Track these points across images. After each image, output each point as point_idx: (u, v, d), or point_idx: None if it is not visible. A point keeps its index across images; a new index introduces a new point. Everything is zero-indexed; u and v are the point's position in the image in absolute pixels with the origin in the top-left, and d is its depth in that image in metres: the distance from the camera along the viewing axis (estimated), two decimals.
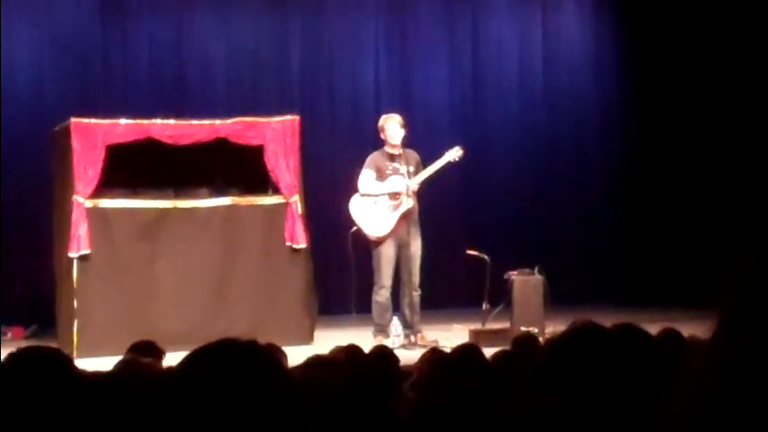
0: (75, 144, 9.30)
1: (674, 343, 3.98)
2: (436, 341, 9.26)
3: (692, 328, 4.67)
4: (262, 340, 1.89)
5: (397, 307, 9.50)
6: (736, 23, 12.09)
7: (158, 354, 5.30)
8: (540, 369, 1.88)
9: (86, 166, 9.30)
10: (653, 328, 3.94)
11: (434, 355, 4.72)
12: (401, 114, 9.61)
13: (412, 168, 9.41)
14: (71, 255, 9.25)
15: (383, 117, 9.61)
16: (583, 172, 13.17)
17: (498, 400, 2.96)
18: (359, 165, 9.55)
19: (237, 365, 1.64)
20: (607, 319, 2.37)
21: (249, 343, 1.69)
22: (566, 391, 1.77)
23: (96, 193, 9.38)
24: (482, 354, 4.34)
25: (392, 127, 9.40)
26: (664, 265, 12.56)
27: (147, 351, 5.26)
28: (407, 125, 9.54)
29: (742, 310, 1.08)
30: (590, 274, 12.77)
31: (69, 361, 2.63)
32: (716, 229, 11.84)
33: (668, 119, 12.86)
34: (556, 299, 9.70)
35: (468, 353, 4.24)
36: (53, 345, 5.57)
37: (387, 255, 9.40)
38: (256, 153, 9.75)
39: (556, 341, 1.94)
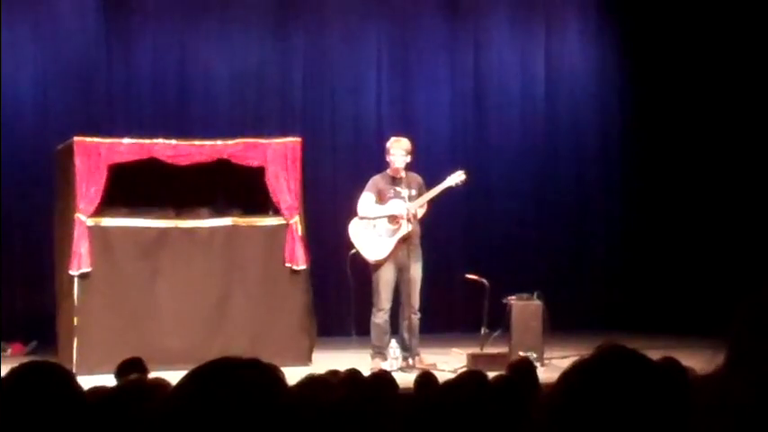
0: (78, 162, 9.33)
1: (675, 372, 3.97)
2: (434, 364, 9.27)
3: (691, 357, 4.67)
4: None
5: (395, 330, 9.51)
6: (740, 48, 12.13)
7: (143, 370, 5.31)
8: (562, 403, 1.80)
9: (89, 185, 9.33)
10: (653, 356, 3.95)
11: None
12: (405, 137, 9.63)
13: (414, 192, 9.43)
14: (72, 272, 9.28)
15: (392, 139, 9.62)
16: (584, 198, 13.19)
17: (497, 425, 2.97)
18: (360, 187, 9.58)
19: (239, 383, 1.66)
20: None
21: (251, 361, 1.70)
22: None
23: (98, 212, 9.41)
24: (486, 380, 4.31)
25: (396, 152, 9.44)
26: (664, 292, 12.55)
27: (133, 368, 5.27)
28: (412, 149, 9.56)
29: (751, 344, 1.08)
30: (590, 300, 12.76)
31: (71, 376, 2.64)
32: (718, 257, 11.85)
33: (671, 145, 12.88)
34: (555, 325, 9.70)
35: (472, 378, 4.23)
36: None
37: (385, 278, 9.41)
38: (257, 174, 9.78)
39: (580, 370, 1.83)
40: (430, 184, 9.55)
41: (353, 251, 9.51)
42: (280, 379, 1.73)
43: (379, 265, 9.41)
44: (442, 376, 5.69)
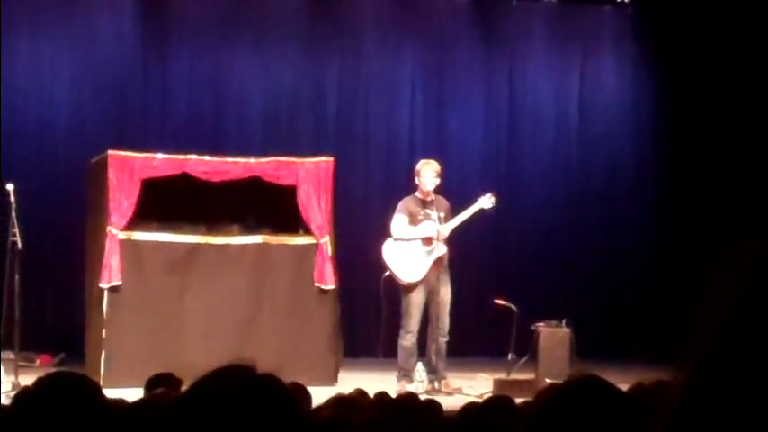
0: (112, 176, 9.39)
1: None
2: (460, 389, 9.24)
3: None
4: (286, 379, 1.90)
5: (422, 353, 9.48)
6: None
7: (176, 384, 5.30)
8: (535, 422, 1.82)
9: (122, 198, 9.38)
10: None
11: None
12: (436, 160, 9.63)
13: (442, 215, 9.42)
14: (102, 285, 9.32)
15: (421, 162, 9.62)
16: (616, 225, 13.11)
17: None
18: (390, 208, 9.58)
19: (241, 391, 1.65)
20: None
21: (248, 369, 1.70)
22: None
23: (130, 226, 9.46)
24: (515, 407, 4.28)
25: (427, 175, 9.43)
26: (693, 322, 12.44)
27: (163, 383, 5.27)
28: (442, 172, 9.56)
29: (710, 356, 1.05)
30: (619, 329, 12.67)
31: (97, 388, 2.65)
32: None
33: (705, 174, 12.79)
34: (583, 353, 9.64)
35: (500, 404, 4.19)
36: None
37: (416, 300, 9.40)
38: (289, 193, 9.81)
39: (552, 394, 1.87)
40: (460, 206, 9.54)
41: (387, 273, 9.49)
42: (294, 392, 1.72)
43: (411, 287, 9.39)
44: (467, 401, 5.65)
